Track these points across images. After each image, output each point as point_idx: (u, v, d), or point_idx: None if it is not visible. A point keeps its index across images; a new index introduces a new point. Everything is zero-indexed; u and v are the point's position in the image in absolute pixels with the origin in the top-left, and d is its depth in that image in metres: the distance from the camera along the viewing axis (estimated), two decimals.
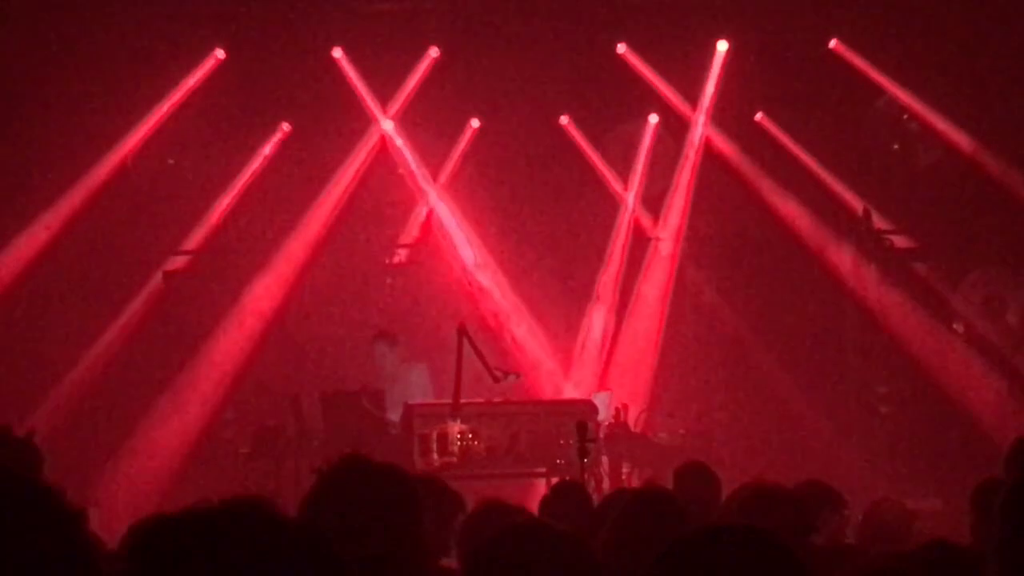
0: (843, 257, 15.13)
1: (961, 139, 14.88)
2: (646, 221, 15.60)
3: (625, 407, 12.13)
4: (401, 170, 15.33)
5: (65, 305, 14.37)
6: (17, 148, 14.00)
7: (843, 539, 6.45)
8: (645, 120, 15.65)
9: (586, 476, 9.89)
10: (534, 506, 6.86)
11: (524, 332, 14.87)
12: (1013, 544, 2.91)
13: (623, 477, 11.75)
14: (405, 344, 12.62)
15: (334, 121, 14.95)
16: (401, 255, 15.27)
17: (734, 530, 2.23)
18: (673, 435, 12.38)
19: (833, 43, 15.13)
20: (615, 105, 15.30)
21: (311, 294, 14.60)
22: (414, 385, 12.12)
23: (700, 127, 15.52)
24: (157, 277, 14.80)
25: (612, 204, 15.55)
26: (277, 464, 11.56)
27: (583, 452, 9.14)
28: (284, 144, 15.16)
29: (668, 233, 15.47)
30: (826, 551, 5.84)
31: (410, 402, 11.71)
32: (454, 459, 11.24)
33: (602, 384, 14.12)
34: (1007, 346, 14.68)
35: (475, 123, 15.39)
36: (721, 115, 15.46)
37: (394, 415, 11.67)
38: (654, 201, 15.60)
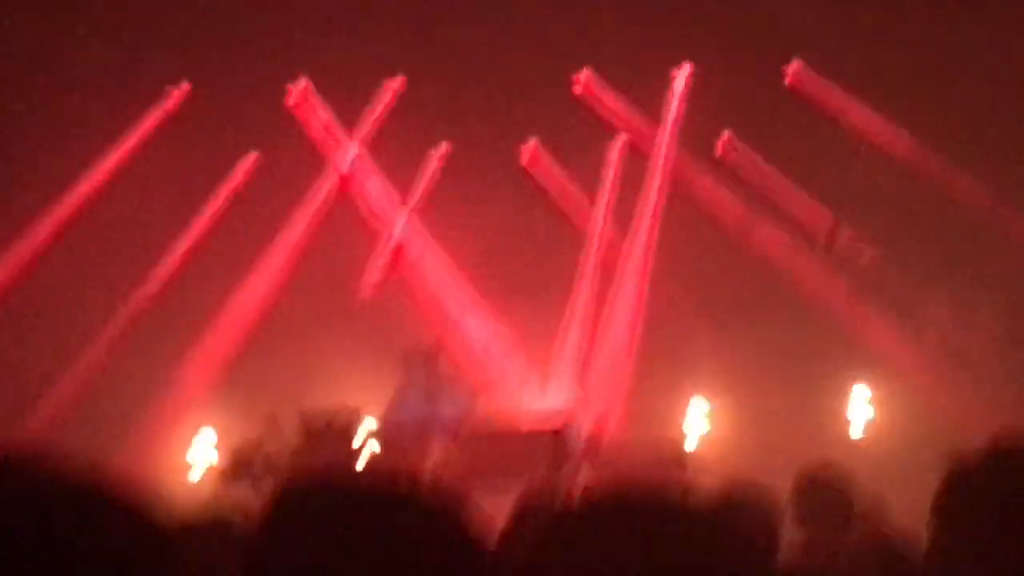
0: (813, 271, 15.20)
1: (926, 154, 15.01)
2: (617, 240, 15.65)
3: (604, 418, 12.07)
4: (370, 196, 15.35)
5: (29, 343, 14.20)
6: None
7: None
8: (612, 142, 15.74)
9: (560, 495, 9.82)
10: None
11: (500, 348, 14.84)
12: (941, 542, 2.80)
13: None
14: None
15: (301, 150, 14.94)
16: (373, 281, 15.22)
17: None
18: (652, 445, 12.31)
19: (794, 65, 15.31)
20: (582, 128, 15.35)
21: (284, 320, 14.50)
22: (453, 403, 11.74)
23: (666, 148, 15.62)
24: (124, 311, 14.72)
25: (583, 226, 15.59)
26: (255, 483, 11.43)
27: (558, 464, 9.06)
28: (252, 175, 15.15)
29: (639, 251, 15.52)
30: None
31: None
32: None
33: (580, 396, 14.07)
34: (980, 355, 14.73)
35: (442, 149, 15.43)
36: (687, 136, 15.57)
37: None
38: (624, 220, 15.65)
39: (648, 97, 15.50)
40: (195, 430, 14.42)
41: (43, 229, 14.33)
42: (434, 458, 11.27)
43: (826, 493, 6.36)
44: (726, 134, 15.59)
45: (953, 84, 14.66)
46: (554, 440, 9.29)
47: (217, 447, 14.26)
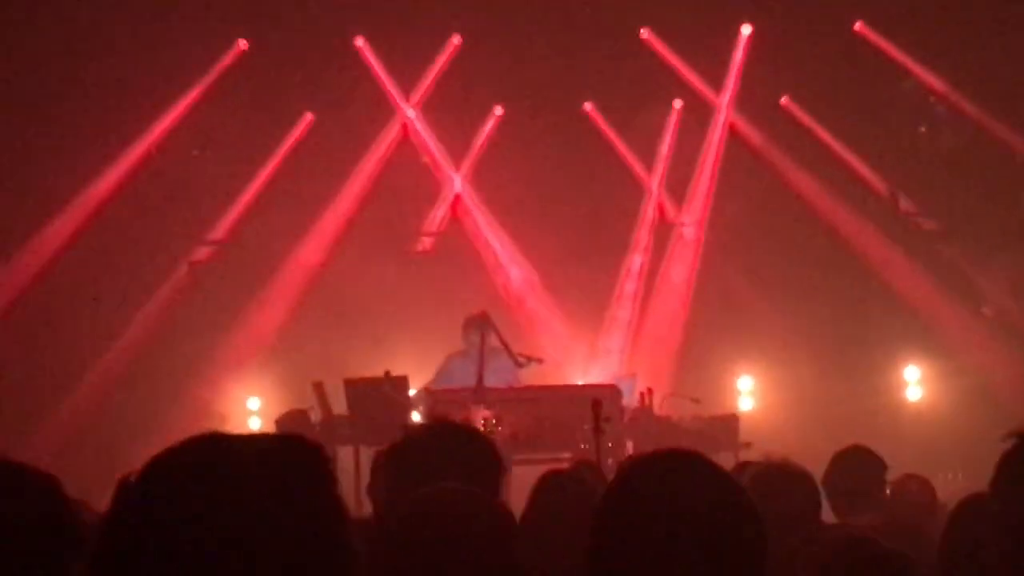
0: (870, 240, 15.03)
1: (987, 120, 14.77)
2: (671, 207, 15.56)
3: (650, 391, 12.04)
4: (425, 158, 15.33)
5: (91, 296, 14.37)
6: (43, 138, 14.02)
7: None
8: (669, 105, 15.59)
9: (609, 461, 9.84)
10: None
11: (549, 318, 14.83)
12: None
13: None
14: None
15: (357, 110, 14.95)
16: (426, 243, 15.25)
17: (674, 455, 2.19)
18: (698, 420, 12.30)
19: (858, 25, 15.05)
20: (639, 91, 15.21)
21: (336, 283, 14.56)
22: (501, 371, 11.72)
23: (724, 112, 15.46)
24: (183, 267, 14.87)
25: (637, 190, 15.51)
26: None
27: (597, 431, 8.99)
28: (308, 134, 15.18)
29: (693, 218, 15.43)
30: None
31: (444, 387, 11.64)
32: None
33: (627, 369, 14.06)
34: None
35: (498, 110, 15.37)
36: (746, 99, 15.39)
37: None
38: (679, 187, 15.55)
39: (708, 59, 15.31)
40: (243, 399, 14.58)
41: (102, 187, 14.47)
42: (477, 425, 11.27)
43: (858, 474, 6.24)
44: (785, 98, 15.39)
45: (1019, 49, 14.36)
46: (594, 412, 9.19)
47: (260, 415, 14.40)
